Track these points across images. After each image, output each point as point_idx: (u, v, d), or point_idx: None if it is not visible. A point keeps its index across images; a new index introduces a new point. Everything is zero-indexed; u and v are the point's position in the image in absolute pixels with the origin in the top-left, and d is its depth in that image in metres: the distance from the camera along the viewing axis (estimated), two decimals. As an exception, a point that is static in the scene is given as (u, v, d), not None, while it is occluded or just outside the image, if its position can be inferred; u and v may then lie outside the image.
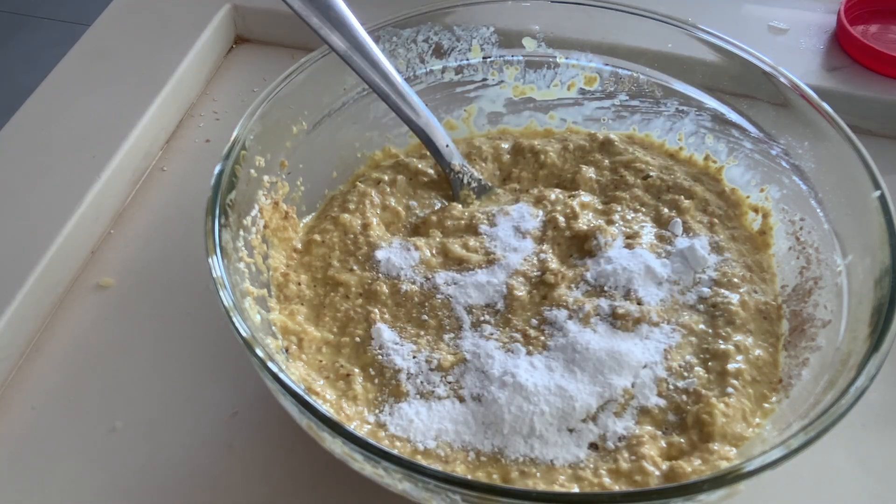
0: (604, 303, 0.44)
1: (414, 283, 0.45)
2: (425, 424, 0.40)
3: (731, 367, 0.42)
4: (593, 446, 0.39)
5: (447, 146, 0.50)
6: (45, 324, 0.50)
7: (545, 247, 0.47)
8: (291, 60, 0.47)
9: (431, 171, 0.52)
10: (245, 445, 0.44)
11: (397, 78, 0.47)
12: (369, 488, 0.37)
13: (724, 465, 0.37)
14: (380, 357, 0.42)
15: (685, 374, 0.42)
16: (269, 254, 0.45)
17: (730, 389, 0.41)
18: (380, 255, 0.47)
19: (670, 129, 0.53)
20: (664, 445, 0.39)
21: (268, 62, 0.66)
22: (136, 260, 0.53)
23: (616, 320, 0.43)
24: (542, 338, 0.43)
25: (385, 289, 0.45)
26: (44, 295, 0.50)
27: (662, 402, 0.41)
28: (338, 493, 0.42)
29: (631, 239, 0.47)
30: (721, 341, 0.43)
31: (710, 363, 0.42)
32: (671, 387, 0.41)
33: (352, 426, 0.38)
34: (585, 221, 0.48)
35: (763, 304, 0.45)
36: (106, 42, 0.65)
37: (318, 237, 0.48)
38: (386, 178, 0.51)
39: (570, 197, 0.50)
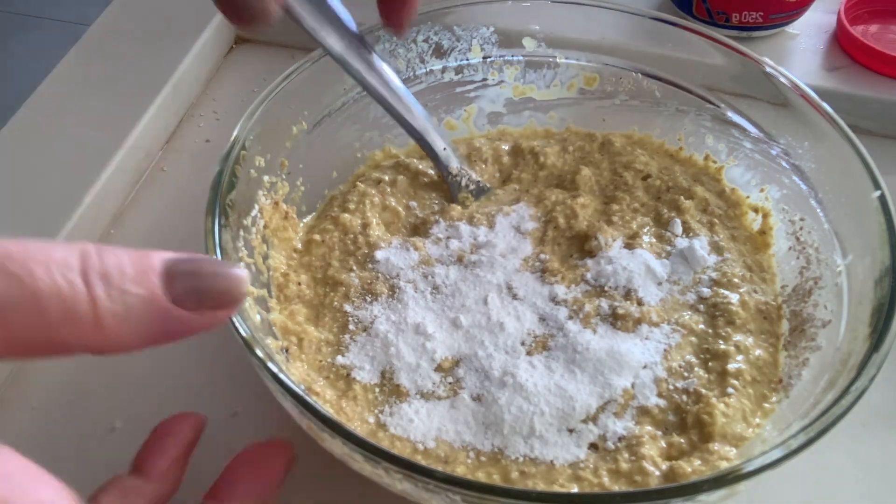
0: (604, 303, 0.44)
1: (413, 283, 0.45)
2: (425, 424, 0.40)
3: (731, 367, 0.42)
4: (593, 447, 0.39)
5: (444, 149, 0.50)
6: (45, 324, 0.50)
7: (545, 247, 0.47)
8: (291, 60, 0.47)
9: (432, 172, 0.52)
10: (245, 445, 0.44)
11: (395, 81, 0.47)
12: (370, 488, 0.37)
13: (724, 465, 0.37)
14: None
15: (685, 374, 0.42)
16: (269, 254, 0.45)
17: (730, 390, 0.41)
18: (379, 255, 0.47)
19: (670, 129, 0.53)
20: (664, 446, 0.39)
21: (268, 62, 0.66)
22: (136, 260, 0.53)
23: (616, 320, 0.43)
24: (542, 338, 0.43)
25: (384, 289, 0.45)
26: (44, 295, 0.49)
27: (662, 403, 0.41)
28: (338, 492, 0.42)
29: (631, 239, 0.47)
30: (721, 341, 0.43)
31: (710, 363, 0.42)
32: (671, 387, 0.41)
33: (352, 426, 0.38)
34: (585, 221, 0.48)
35: (763, 304, 0.45)
36: (106, 42, 0.65)
37: (318, 237, 0.48)
38: (386, 178, 0.51)
39: (570, 197, 0.50)
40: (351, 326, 0.44)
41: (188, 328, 0.29)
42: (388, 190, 0.50)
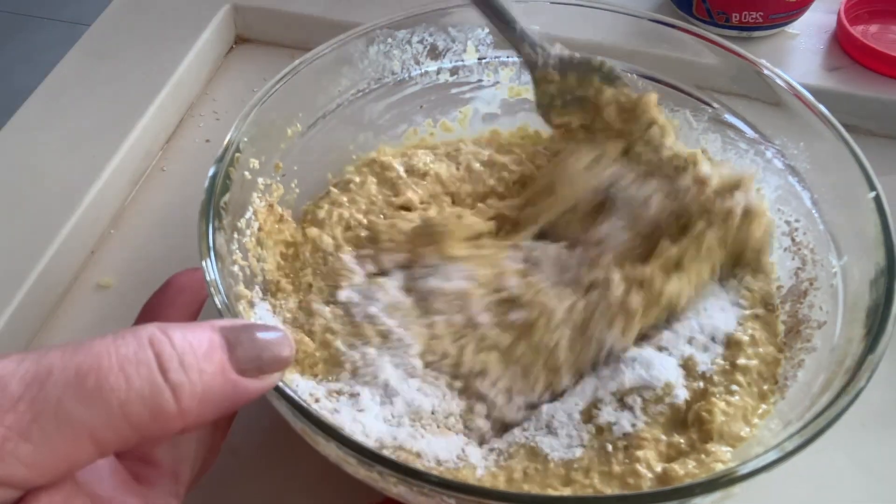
0: None
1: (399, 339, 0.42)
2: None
3: (740, 361, 0.41)
4: (599, 430, 0.39)
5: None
6: (45, 324, 0.50)
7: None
8: (291, 60, 0.47)
9: (399, 167, 0.50)
10: (245, 446, 0.44)
11: None
12: (371, 489, 0.37)
13: (718, 467, 0.37)
14: None
15: (710, 349, 0.41)
16: (263, 256, 0.45)
17: (734, 387, 0.40)
18: (343, 295, 0.43)
19: (667, 130, 0.53)
20: (663, 449, 0.38)
21: (268, 62, 0.67)
22: (136, 260, 0.53)
23: None
24: None
25: (373, 334, 0.42)
26: (44, 295, 0.50)
27: (687, 394, 0.40)
28: (338, 493, 0.42)
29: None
30: (740, 328, 0.42)
31: (726, 350, 0.41)
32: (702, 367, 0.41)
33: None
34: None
35: (763, 292, 0.44)
36: (106, 42, 0.65)
37: (290, 250, 0.46)
38: (357, 179, 0.49)
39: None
40: (347, 366, 0.40)
41: (251, 395, 0.29)
42: (357, 197, 0.48)
